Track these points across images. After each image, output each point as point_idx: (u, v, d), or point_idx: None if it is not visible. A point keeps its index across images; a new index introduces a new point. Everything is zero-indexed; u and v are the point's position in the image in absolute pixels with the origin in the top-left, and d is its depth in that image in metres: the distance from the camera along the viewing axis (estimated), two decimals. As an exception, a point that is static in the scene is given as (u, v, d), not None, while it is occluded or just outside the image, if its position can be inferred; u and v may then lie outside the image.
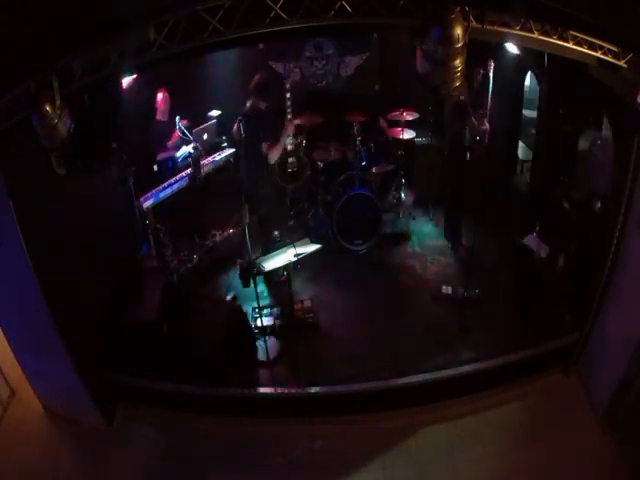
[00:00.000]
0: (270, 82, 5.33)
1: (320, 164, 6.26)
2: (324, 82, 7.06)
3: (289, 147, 5.79)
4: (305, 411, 4.70)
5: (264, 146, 5.22)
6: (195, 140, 5.80)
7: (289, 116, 5.47)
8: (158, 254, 5.61)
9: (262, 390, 4.67)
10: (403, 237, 6.37)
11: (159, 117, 5.79)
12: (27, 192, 3.64)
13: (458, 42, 2.74)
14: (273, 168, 5.68)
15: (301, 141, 5.94)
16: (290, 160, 5.90)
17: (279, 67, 6.81)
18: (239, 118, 5.25)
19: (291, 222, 6.43)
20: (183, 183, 5.81)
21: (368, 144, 6.35)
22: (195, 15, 2.76)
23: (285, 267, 4.80)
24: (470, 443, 4.30)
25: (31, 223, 3.71)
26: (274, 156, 5.32)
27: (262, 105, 5.23)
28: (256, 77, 5.26)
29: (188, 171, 5.84)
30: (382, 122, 6.51)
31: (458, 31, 2.71)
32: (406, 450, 4.33)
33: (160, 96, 5.70)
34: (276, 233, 5.97)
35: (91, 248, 4.64)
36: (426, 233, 6.49)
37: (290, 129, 5.43)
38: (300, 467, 4.29)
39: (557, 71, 4.80)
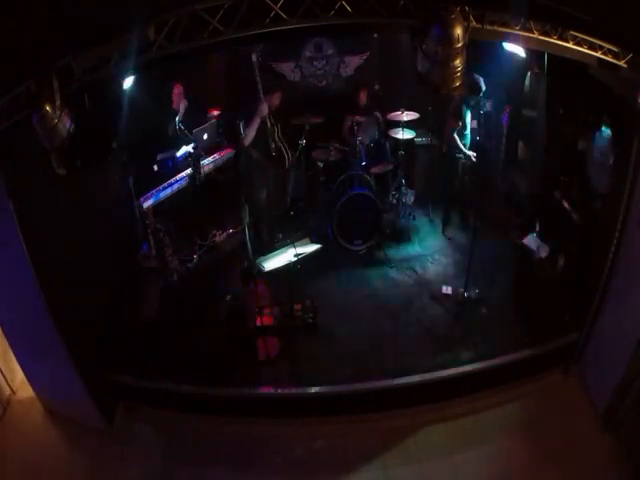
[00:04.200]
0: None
1: (320, 164, 6.25)
2: (324, 82, 7.06)
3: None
4: (305, 411, 4.70)
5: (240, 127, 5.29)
6: (195, 140, 5.83)
7: (261, 96, 5.32)
8: (158, 254, 5.61)
9: (262, 390, 4.67)
10: (403, 237, 6.38)
11: (175, 106, 5.95)
12: (27, 192, 3.64)
13: (458, 42, 2.73)
14: (259, 156, 5.62)
15: (274, 123, 5.70)
16: (272, 146, 5.76)
17: (280, 67, 6.84)
18: (239, 119, 5.26)
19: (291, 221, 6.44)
20: (183, 183, 5.82)
21: (368, 144, 6.35)
22: (195, 15, 2.76)
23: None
24: (470, 443, 4.30)
25: (31, 223, 3.71)
26: (249, 137, 5.32)
27: (275, 100, 5.30)
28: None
29: (188, 171, 5.85)
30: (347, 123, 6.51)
31: (458, 31, 2.71)
32: (406, 450, 4.33)
33: (176, 89, 5.91)
34: (280, 235, 5.97)
35: (91, 248, 4.65)
36: (426, 233, 6.49)
37: (264, 110, 5.28)
38: (300, 467, 4.29)
39: (557, 71, 4.80)
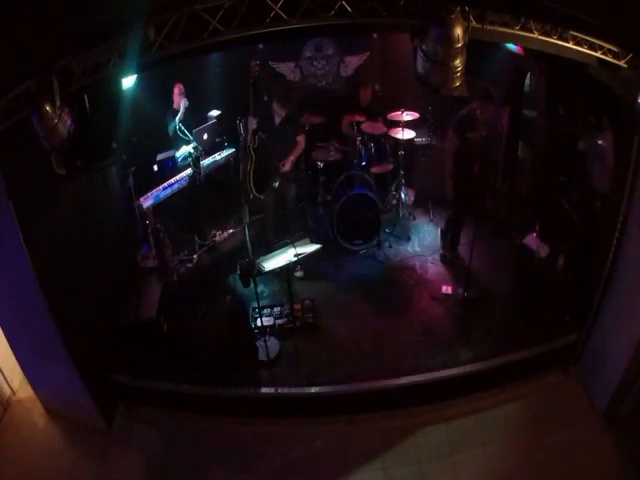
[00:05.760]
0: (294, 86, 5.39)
1: (320, 164, 6.26)
2: (324, 82, 7.06)
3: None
4: (305, 411, 4.70)
5: (280, 163, 5.49)
6: (195, 140, 5.83)
7: (300, 131, 5.63)
8: (158, 254, 5.62)
9: (262, 390, 4.67)
10: (403, 237, 6.38)
11: (175, 106, 5.99)
12: (27, 192, 3.64)
13: (458, 42, 2.73)
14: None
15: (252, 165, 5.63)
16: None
17: (280, 67, 6.84)
18: (239, 118, 5.26)
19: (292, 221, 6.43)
20: (183, 183, 5.83)
21: (368, 144, 6.35)
22: (195, 15, 2.75)
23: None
24: (470, 443, 4.31)
25: (31, 223, 3.71)
26: (287, 167, 5.57)
27: (282, 112, 5.33)
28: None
29: (188, 171, 5.85)
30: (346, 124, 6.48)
31: (458, 31, 2.70)
32: (406, 450, 4.33)
33: (176, 88, 5.96)
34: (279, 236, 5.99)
35: (91, 248, 4.64)
36: (426, 233, 6.49)
37: (301, 144, 5.55)
38: (300, 467, 4.30)
39: (557, 71, 4.80)
